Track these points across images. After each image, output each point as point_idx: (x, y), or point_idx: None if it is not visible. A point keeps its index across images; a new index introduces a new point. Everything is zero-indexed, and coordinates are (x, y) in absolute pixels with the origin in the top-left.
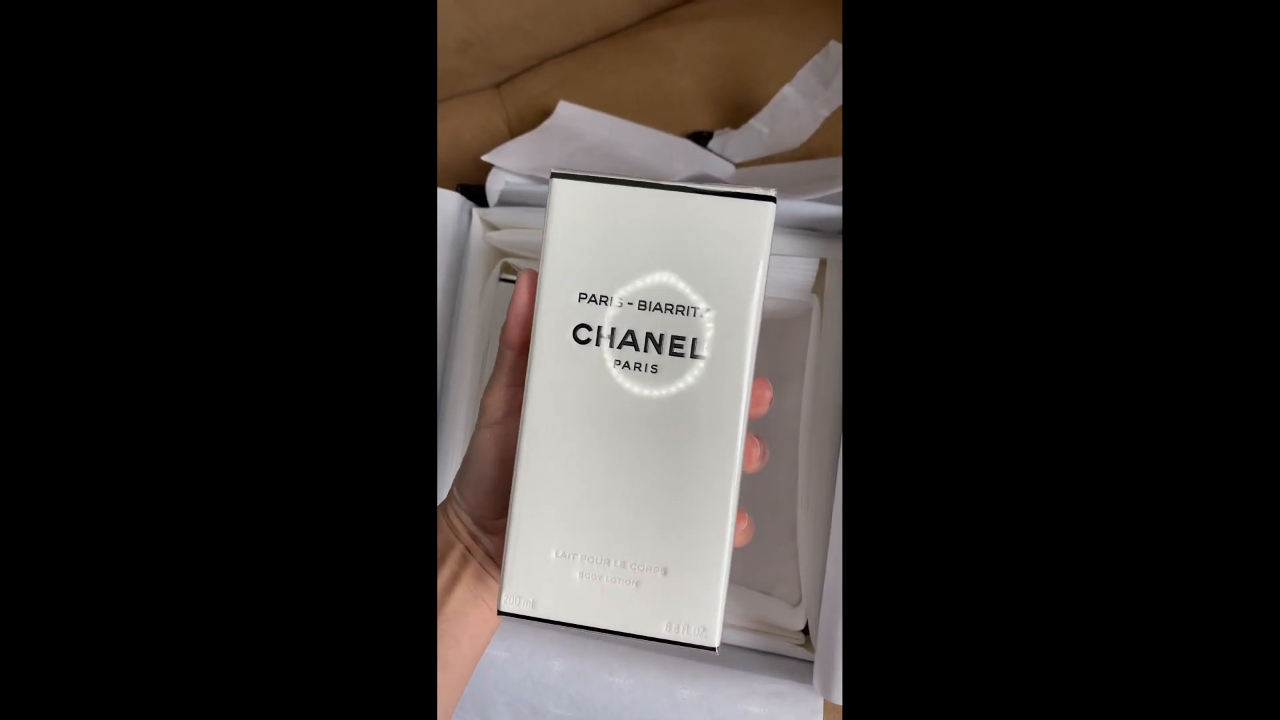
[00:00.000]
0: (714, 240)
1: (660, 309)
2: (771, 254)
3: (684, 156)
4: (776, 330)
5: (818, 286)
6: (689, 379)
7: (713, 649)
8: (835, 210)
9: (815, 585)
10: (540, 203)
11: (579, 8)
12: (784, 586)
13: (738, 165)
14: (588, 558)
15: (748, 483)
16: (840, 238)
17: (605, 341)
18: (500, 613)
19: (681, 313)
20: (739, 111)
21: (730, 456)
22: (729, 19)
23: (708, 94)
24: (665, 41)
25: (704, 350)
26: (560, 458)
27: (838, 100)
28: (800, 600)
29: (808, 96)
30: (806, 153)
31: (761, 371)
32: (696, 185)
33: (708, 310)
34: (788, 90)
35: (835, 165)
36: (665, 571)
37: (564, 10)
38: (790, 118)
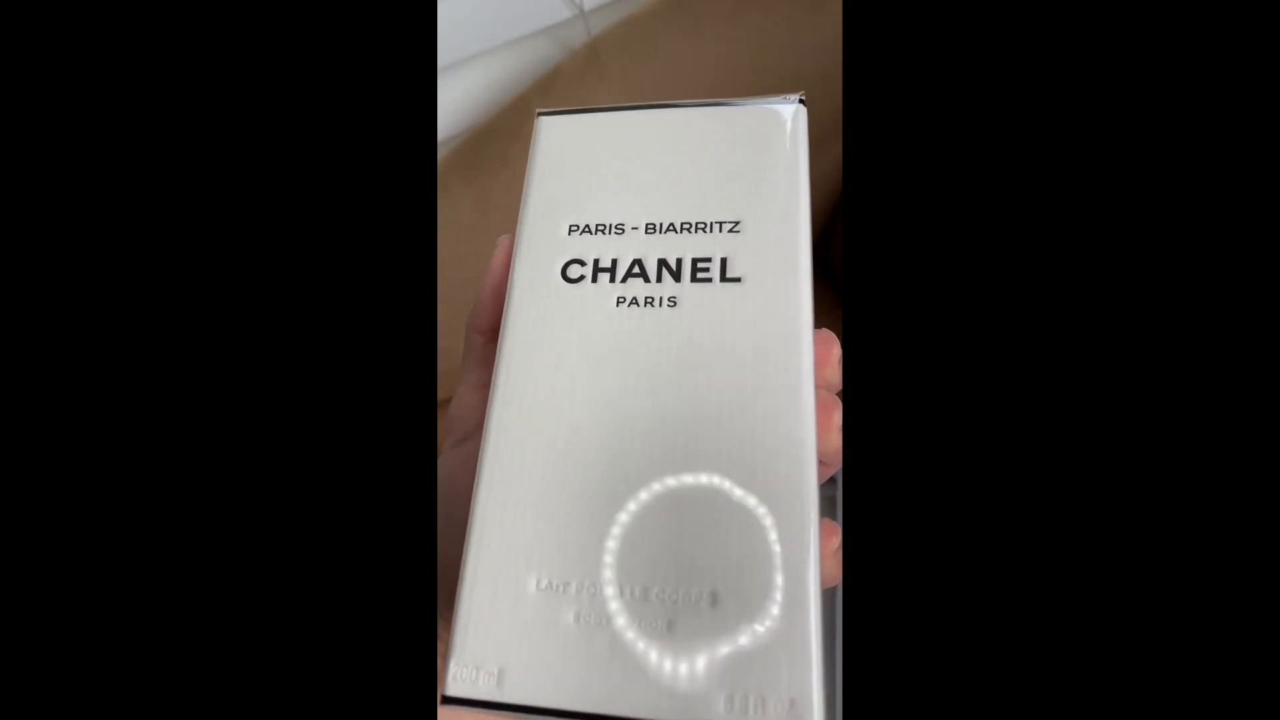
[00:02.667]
0: (737, 149)
1: (674, 230)
2: None
3: None
4: None
5: None
6: (721, 305)
7: None
8: None
9: None
10: None
11: None
12: None
13: None
14: (587, 588)
15: None
16: (829, 484)
17: (604, 276)
18: (445, 700)
19: (703, 230)
20: None
21: (798, 410)
22: None
23: None
24: None
25: (739, 270)
26: (546, 441)
27: None
28: None
29: None
30: None
31: None
32: (709, 101)
33: (737, 223)
34: None
35: None
36: (714, 599)
37: None
38: None
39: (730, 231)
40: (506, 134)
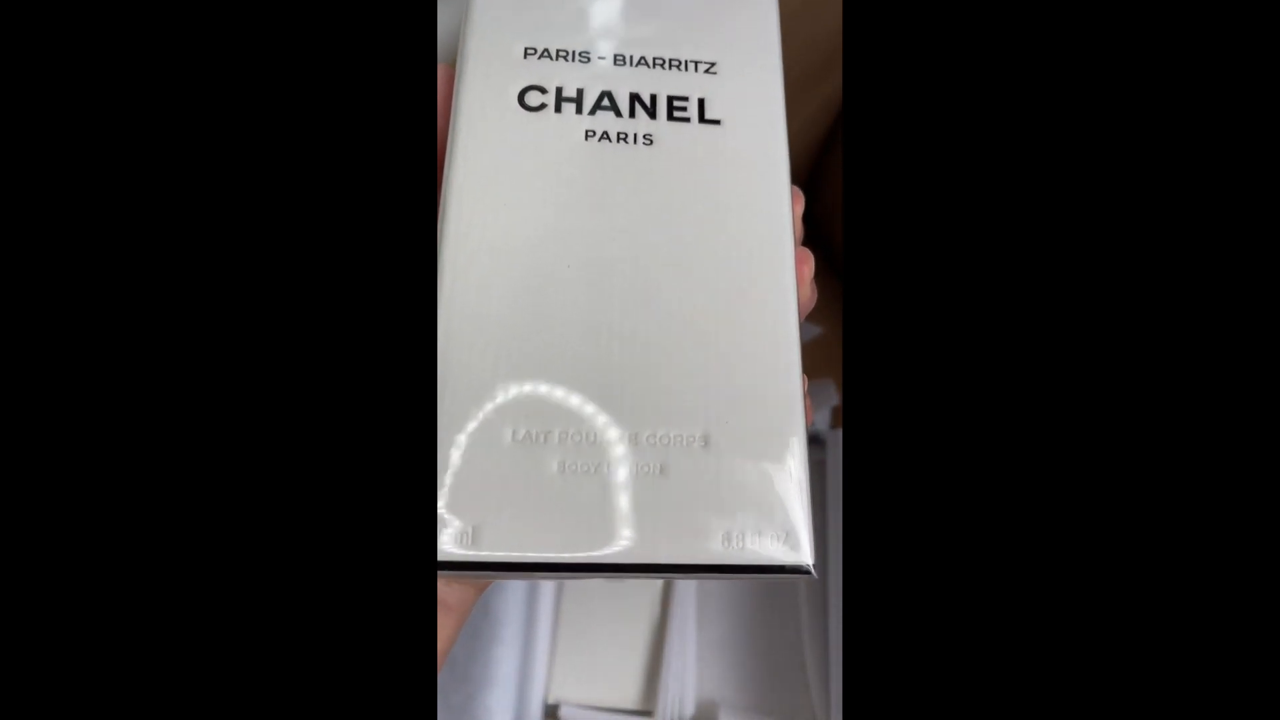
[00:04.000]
0: None
1: (646, 64)
2: None
3: None
4: None
5: None
6: (700, 147)
7: (806, 570)
8: None
9: (824, 704)
10: None
11: None
12: (800, 712)
13: None
14: (571, 436)
15: (763, 624)
16: (809, 444)
17: (570, 106)
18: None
19: (678, 68)
20: None
21: (780, 259)
22: None
23: None
24: None
25: (717, 112)
26: (512, 285)
27: None
28: None
29: None
30: None
31: None
32: None
33: (714, 64)
34: None
35: None
36: (706, 441)
37: None
38: None
39: (707, 73)
40: None
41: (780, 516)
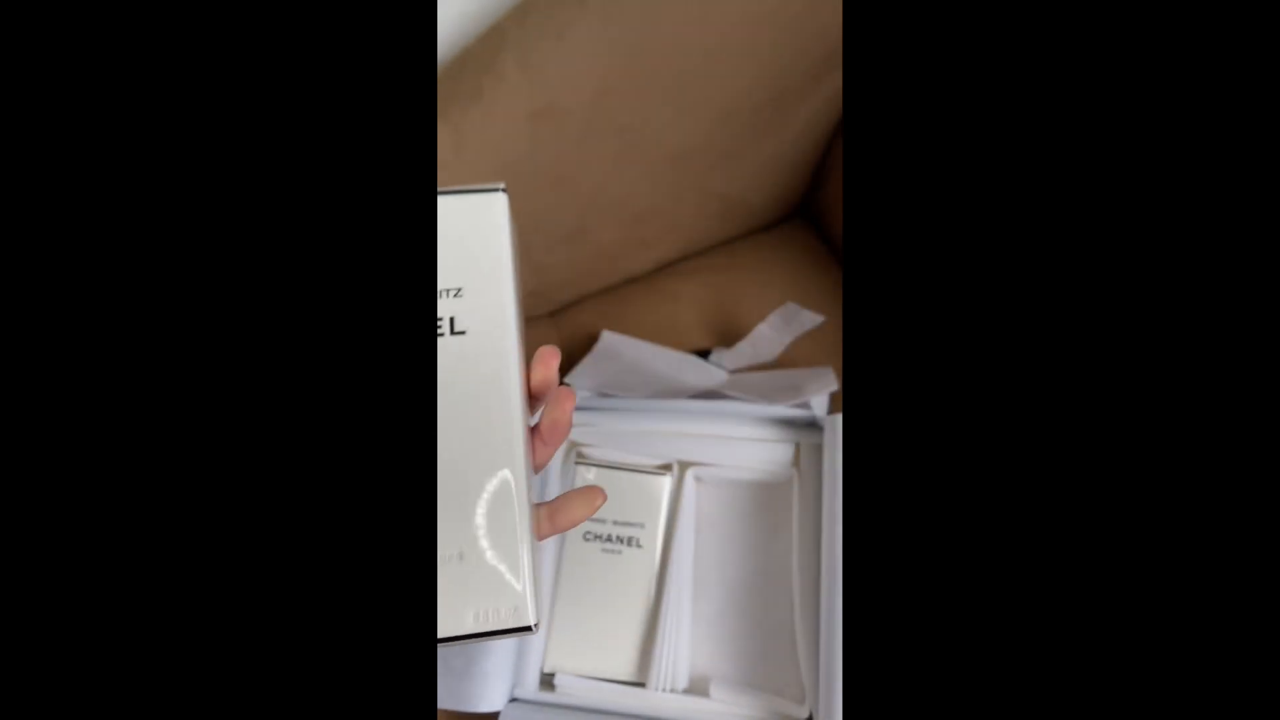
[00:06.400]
0: (458, 232)
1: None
2: (753, 438)
3: (692, 368)
4: (767, 493)
5: (796, 461)
6: (454, 352)
7: (529, 629)
8: (804, 412)
9: (813, 682)
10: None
11: (613, 266)
12: (791, 688)
13: (730, 372)
14: None
15: (757, 602)
16: (809, 429)
17: None
18: None
19: (438, 295)
20: (727, 335)
21: (508, 414)
22: (715, 273)
23: (705, 323)
24: (672, 287)
25: (464, 325)
26: None
27: (791, 337)
28: (804, 697)
29: (776, 330)
30: (778, 364)
31: (756, 525)
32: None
33: (460, 289)
34: (762, 327)
35: (800, 376)
36: (461, 556)
37: (602, 269)
38: (765, 342)
39: (455, 296)
40: (479, 66)
41: (509, 598)
